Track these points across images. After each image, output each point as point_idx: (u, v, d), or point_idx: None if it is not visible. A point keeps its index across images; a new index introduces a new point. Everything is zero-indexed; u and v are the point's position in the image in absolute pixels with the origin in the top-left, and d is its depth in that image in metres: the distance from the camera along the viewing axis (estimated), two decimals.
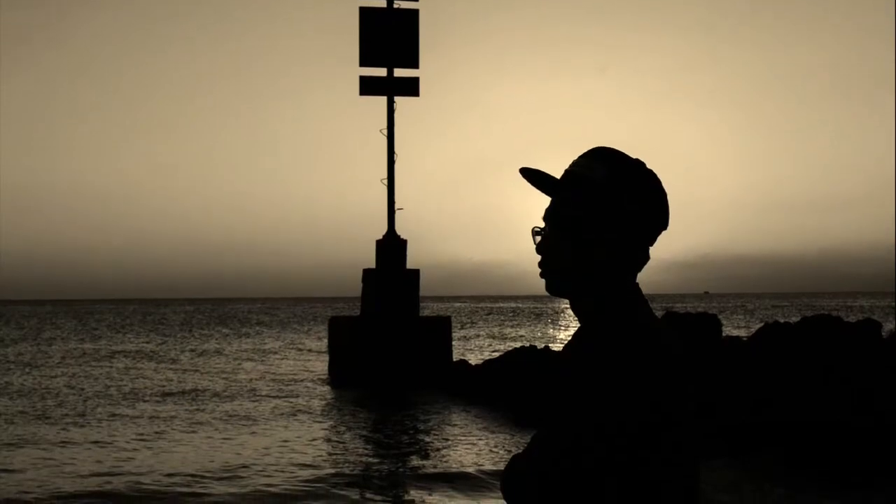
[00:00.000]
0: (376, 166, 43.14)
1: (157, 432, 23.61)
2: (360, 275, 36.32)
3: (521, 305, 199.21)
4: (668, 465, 2.67)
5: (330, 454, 20.41)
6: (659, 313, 27.40)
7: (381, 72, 37.12)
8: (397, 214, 36.91)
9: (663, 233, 2.87)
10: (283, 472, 18.08)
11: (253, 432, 23.61)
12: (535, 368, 28.44)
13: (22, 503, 15.52)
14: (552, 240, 2.84)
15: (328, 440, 22.49)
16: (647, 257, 2.85)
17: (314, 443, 21.90)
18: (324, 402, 30.29)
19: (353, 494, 16.24)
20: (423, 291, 36.41)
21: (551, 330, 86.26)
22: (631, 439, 2.63)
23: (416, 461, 19.54)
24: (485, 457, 19.71)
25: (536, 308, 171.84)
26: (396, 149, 37.22)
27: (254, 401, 30.82)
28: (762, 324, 25.90)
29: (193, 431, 23.80)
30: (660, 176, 2.86)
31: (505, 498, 2.76)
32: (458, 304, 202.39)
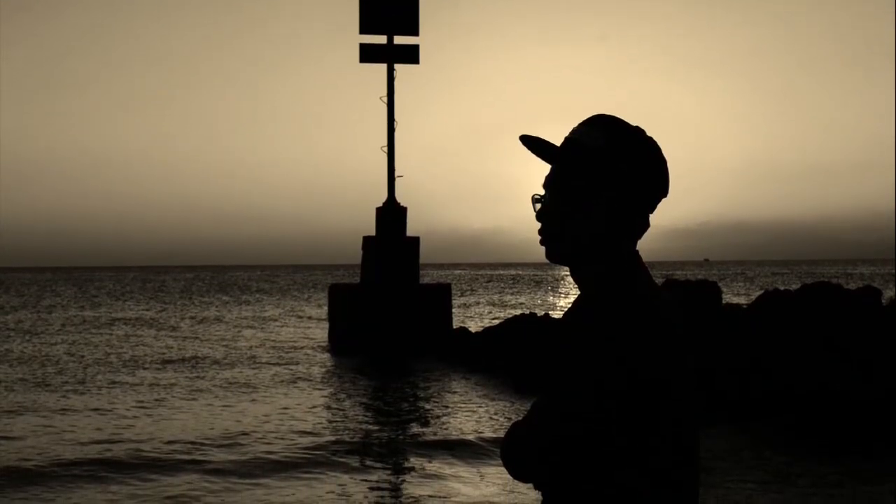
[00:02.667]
0: (376, 134, 43.13)
1: (156, 400, 23.64)
2: (360, 242, 36.33)
3: (521, 273, 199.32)
4: (668, 437, 2.67)
5: (330, 421, 20.44)
6: (658, 281, 27.39)
7: (381, 39, 37.03)
8: (397, 182, 36.91)
9: (663, 200, 2.86)
10: (283, 439, 18.11)
11: (253, 400, 23.64)
12: (535, 336, 28.46)
13: (22, 470, 15.55)
14: (552, 207, 2.83)
15: (328, 407, 22.52)
16: (646, 224, 2.84)
17: (314, 410, 21.93)
18: (324, 370, 30.33)
19: (353, 461, 16.27)
20: (422, 259, 36.43)
21: (551, 297, 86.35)
22: (630, 411, 2.62)
23: (416, 429, 19.57)
24: (485, 424, 19.74)
25: (536, 275, 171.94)
26: (396, 116, 37.20)
27: (254, 368, 30.86)
28: (762, 291, 25.91)
29: (193, 399, 23.84)
30: (660, 143, 2.85)
31: (505, 465, 2.76)
32: (458, 272, 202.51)
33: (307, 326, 50.92)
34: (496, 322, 40.46)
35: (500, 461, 2.80)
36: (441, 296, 35.68)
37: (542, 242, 2.86)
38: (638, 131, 2.82)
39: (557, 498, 2.73)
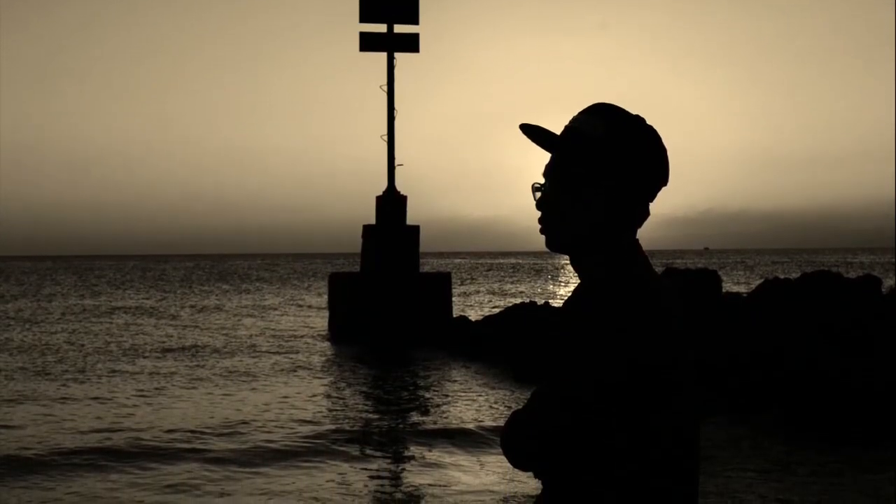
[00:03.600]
0: (376, 122, 43.14)
1: (157, 388, 23.64)
2: (359, 231, 36.33)
3: (520, 261, 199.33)
4: (669, 427, 2.67)
5: (330, 410, 20.44)
6: (658, 269, 27.35)
7: (381, 28, 36.99)
8: (397, 170, 36.88)
9: (663, 189, 2.85)
10: (283, 427, 18.12)
11: (253, 388, 23.65)
12: (534, 324, 28.46)
13: (22, 459, 15.56)
14: (552, 196, 2.83)
15: (328, 396, 22.53)
16: (647, 213, 2.83)
17: (314, 399, 21.93)
18: (324, 359, 30.34)
19: (354, 450, 16.28)
20: (422, 247, 36.42)
21: (551, 286, 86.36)
22: (631, 400, 2.62)
23: (416, 417, 19.57)
24: (485, 413, 19.75)
25: (536, 264, 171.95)
26: (396, 105, 37.16)
27: (254, 357, 30.86)
28: (762, 280, 25.90)
29: (193, 387, 23.84)
30: (660, 132, 2.85)
31: (505, 454, 2.76)
32: (458, 261, 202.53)
33: (307, 315, 50.93)
34: (496, 311, 40.47)
35: (500, 450, 2.80)
36: (441, 284, 35.68)
37: (542, 231, 2.86)
38: (638, 120, 2.82)
39: (557, 487, 2.73)
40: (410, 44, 37.06)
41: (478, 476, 14.44)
